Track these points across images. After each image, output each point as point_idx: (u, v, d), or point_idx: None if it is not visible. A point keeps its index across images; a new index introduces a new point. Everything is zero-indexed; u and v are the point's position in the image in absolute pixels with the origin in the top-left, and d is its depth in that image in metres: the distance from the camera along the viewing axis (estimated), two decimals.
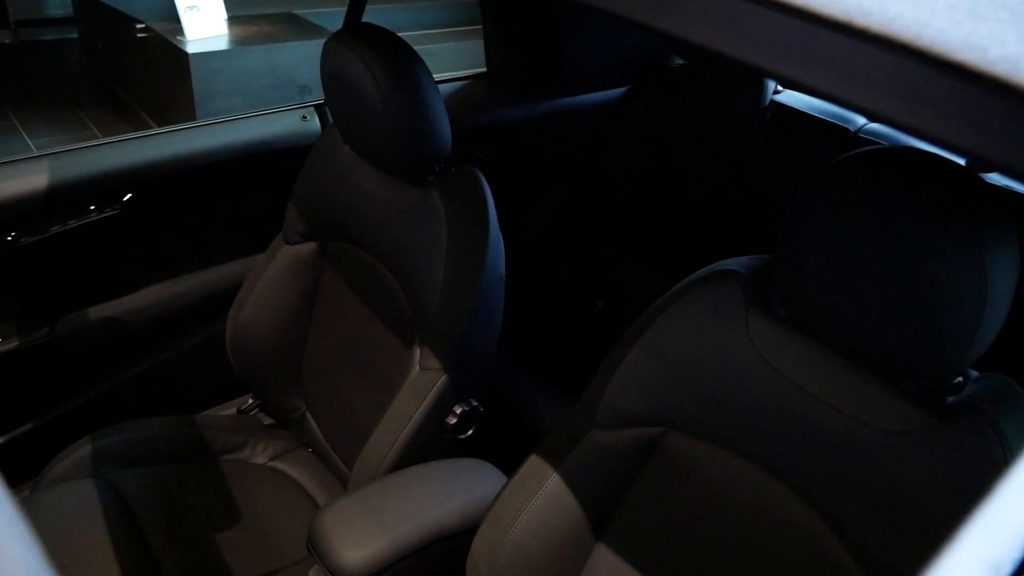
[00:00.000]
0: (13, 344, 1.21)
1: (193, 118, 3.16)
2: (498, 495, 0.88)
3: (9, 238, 1.15)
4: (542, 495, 0.84)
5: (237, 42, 3.30)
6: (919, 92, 0.32)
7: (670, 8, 0.39)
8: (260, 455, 1.30)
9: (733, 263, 0.81)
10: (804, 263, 0.67)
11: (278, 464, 1.30)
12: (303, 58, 3.31)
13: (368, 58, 0.97)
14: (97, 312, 1.31)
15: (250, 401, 1.43)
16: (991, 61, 0.29)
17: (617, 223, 1.82)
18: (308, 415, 1.31)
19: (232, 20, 3.44)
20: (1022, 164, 0.30)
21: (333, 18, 3.75)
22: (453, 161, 1.07)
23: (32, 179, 1.15)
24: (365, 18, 1.27)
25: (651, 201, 1.77)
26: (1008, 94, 0.29)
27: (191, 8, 3.23)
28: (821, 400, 0.70)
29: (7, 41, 4.39)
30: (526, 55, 1.62)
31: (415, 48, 1.02)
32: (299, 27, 3.59)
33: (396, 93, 0.97)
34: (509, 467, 0.93)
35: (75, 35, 4.40)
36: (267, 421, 1.40)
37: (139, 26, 3.35)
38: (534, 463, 0.87)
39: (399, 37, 1.02)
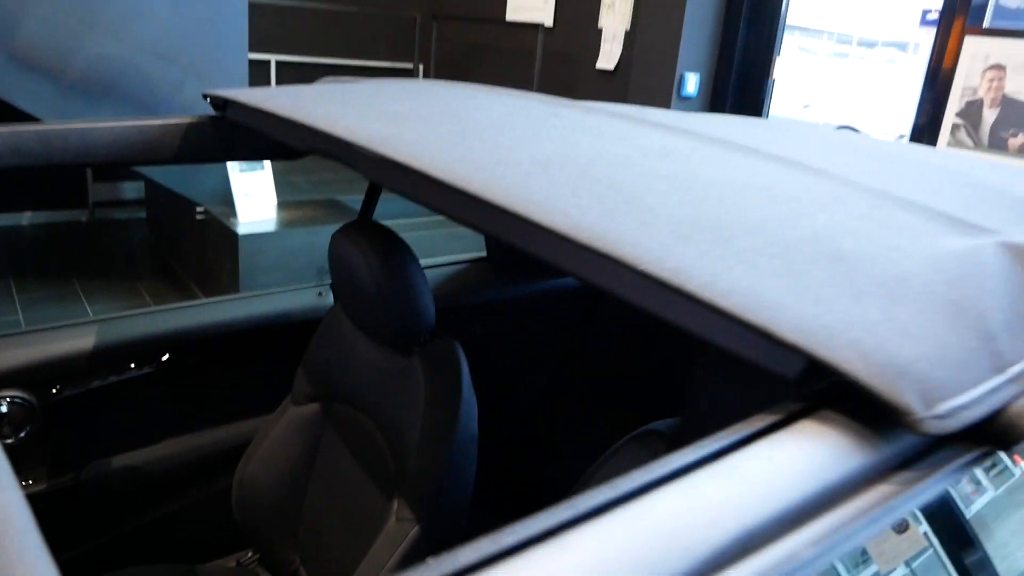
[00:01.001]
0: (41, 487, 1.35)
1: (238, 290, 3.45)
2: None
3: (54, 391, 1.32)
4: None
5: (283, 224, 3.65)
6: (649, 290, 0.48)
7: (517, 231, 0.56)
8: None
9: (660, 424, 0.93)
10: (701, 424, 0.79)
11: None
12: None
13: (366, 250, 1.16)
14: (121, 461, 1.44)
15: (250, 554, 1.51)
16: (667, 269, 0.45)
17: (606, 390, 1.94)
18: (301, 568, 1.39)
19: (281, 205, 3.82)
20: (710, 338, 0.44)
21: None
22: (437, 335, 1.23)
23: (83, 340, 1.34)
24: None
25: (636, 369, 1.90)
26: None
27: (246, 195, 3.62)
28: None
29: (83, 219, 4.88)
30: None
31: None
32: (339, 212, 3.96)
33: (387, 280, 1.15)
34: None
35: (143, 215, 4.87)
36: (264, 575, 1.48)
37: (199, 209, 3.74)
38: None
39: (393, 232, 1.21)
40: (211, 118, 1.18)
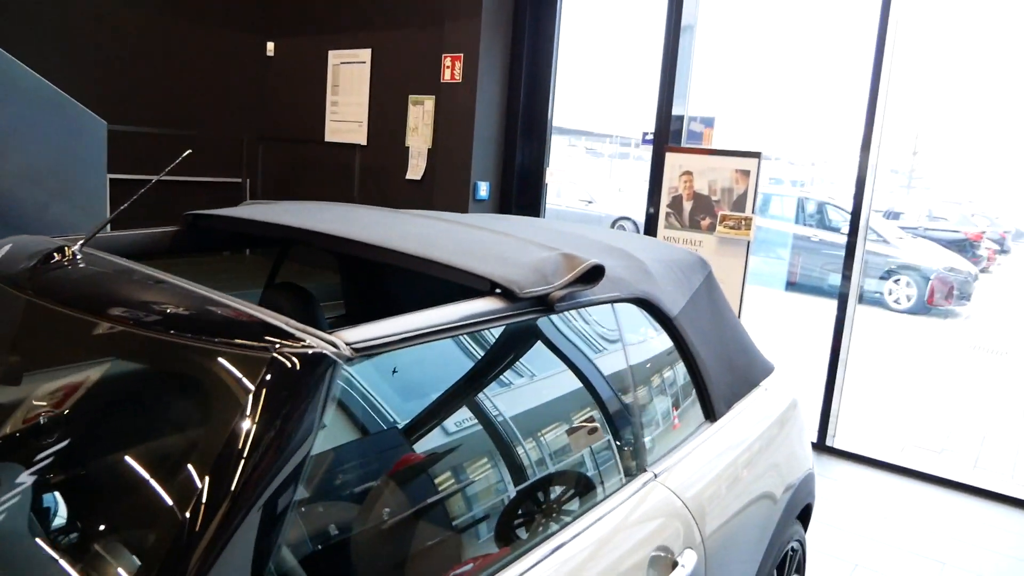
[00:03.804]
0: None
1: None
2: None
3: None
4: None
5: None
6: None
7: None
8: None
9: None
10: None
11: None
12: None
13: (289, 297, 1.94)
14: None
15: None
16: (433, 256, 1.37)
17: None
18: None
19: None
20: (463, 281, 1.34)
21: None
22: None
23: None
24: None
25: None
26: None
27: None
28: None
29: None
30: (368, 305, 2.67)
31: None
32: None
33: (298, 311, 1.94)
34: None
35: None
36: None
37: None
38: None
39: (297, 286, 2.01)
40: (188, 227, 1.93)
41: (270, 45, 6.74)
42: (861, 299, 4.37)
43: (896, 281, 8.90)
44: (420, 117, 5.65)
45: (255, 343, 1.02)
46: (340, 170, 6.12)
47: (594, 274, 1.46)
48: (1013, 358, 7.80)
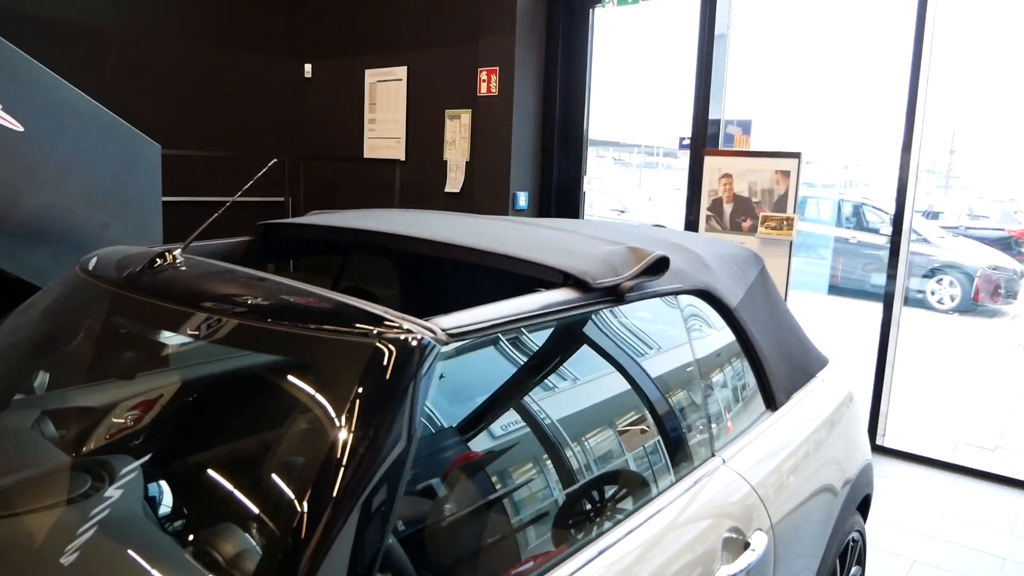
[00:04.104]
0: None
1: None
2: None
3: None
4: None
5: None
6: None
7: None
8: None
9: None
10: None
11: None
12: None
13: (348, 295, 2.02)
14: None
15: None
16: (492, 248, 1.43)
17: None
18: None
19: None
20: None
21: None
22: None
23: None
24: None
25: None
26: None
27: None
28: None
29: None
30: (413, 304, 2.74)
31: None
32: None
33: None
34: None
35: None
36: None
37: None
38: None
39: (363, 289, 2.09)
40: (260, 237, 2.01)
41: (308, 67, 6.91)
42: (905, 300, 4.35)
43: (939, 281, 8.78)
44: (457, 131, 5.75)
45: (359, 329, 1.09)
46: (380, 186, 6.25)
47: (660, 266, 1.51)
48: None
